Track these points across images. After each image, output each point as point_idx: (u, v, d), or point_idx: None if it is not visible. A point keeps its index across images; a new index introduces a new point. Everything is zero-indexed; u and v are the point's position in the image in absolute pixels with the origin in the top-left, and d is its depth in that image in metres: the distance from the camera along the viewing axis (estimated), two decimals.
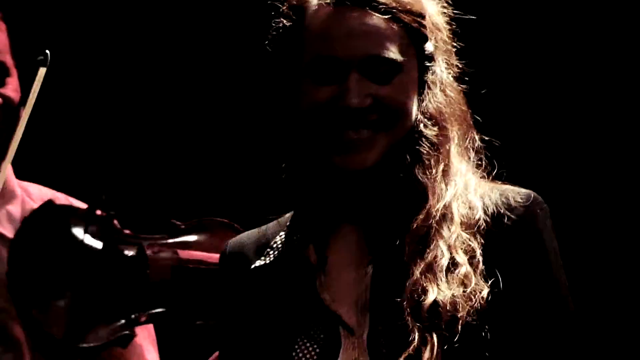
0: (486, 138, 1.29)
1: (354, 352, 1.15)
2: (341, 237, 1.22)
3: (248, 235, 1.31)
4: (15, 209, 1.64)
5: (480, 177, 1.25)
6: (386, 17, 1.15)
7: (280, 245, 1.24)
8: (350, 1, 1.15)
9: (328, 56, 1.15)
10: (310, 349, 1.16)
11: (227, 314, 1.27)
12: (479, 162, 1.26)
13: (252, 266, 1.23)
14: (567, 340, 1.17)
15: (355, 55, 1.15)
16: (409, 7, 1.18)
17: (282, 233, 1.25)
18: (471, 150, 1.25)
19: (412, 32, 1.18)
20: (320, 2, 1.17)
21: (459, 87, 1.26)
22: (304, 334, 1.17)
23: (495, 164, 1.28)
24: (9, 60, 1.66)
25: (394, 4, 1.16)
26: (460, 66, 1.27)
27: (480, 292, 1.10)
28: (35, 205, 1.63)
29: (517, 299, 1.14)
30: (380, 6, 1.15)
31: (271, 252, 1.24)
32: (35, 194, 1.71)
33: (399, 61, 1.16)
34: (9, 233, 1.59)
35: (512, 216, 1.18)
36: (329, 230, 1.21)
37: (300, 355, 1.16)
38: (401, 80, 1.18)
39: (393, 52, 1.16)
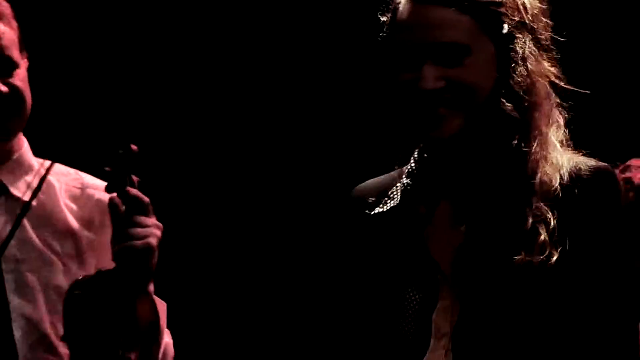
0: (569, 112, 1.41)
1: (447, 300, 1.35)
2: (443, 197, 1.40)
3: (372, 182, 1.50)
4: (32, 179, 1.81)
5: (563, 147, 1.40)
6: (453, 9, 1.33)
7: (396, 196, 1.43)
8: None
9: (406, 45, 1.35)
10: (416, 296, 1.36)
11: (346, 256, 1.47)
12: (564, 132, 1.40)
13: (372, 212, 1.42)
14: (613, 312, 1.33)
15: (427, 43, 1.33)
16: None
17: (398, 184, 1.44)
18: (557, 120, 1.40)
19: (481, 18, 1.34)
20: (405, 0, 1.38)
21: (548, 61, 1.39)
22: (411, 282, 1.37)
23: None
24: (16, 54, 1.78)
25: None
26: (548, 41, 1.39)
27: (552, 258, 1.29)
28: (51, 178, 1.82)
29: (577, 266, 1.31)
30: (447, 1, 1.33)
31: (389, 201, 1.43)
32: (52, 169, 1.84)
33: (466, 44, 1.33)
34: (26, 197, 1.78)
35: (581, 187, 1.34)
36: (436, 189, 1.40)
37: (408, 301, 1.36)
38: (472, 62, 1.34)
39: (460, 38, 1.33)
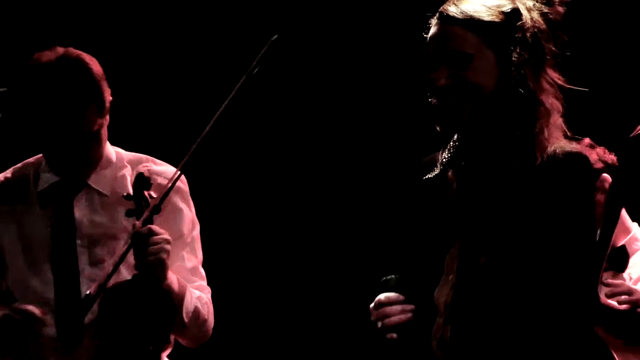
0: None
1: (456, 248, 1.78)
2: (467, 169, 1.81)
3: (431, 156, 1.90)
4: (110, 173, 2.35)
5: (561, 135, 1.77)
6: (462, 27, 1.76)
7: (438, 167, 1.83)
8: (440, 19, 1.79)
9: (430, 53, 1.80)
10: (439, 240, 1.81)
11: (410, 201, 1.92)
12: (561, 123, 1.78)
13: (424, 177, 1.85)
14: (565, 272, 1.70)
15: (441, 52, 1.77)
16: (478, 18, 1.75)
17: (440, 158, 1.84)
18: (554, 112, 1.77)
19: (483, 34, 1.75)
20: (434, 20, 1.81)
21: (549, 66, 1.79)
22: (439, 229, 1.81)
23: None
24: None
25: (466, 19, 1.76)
26: (551, 51, 1.78)
27: (533, 219, 1.70)
28: (125, 170, 2.35)
29: (547, 228, 1.70)
30: (457, 21, 1.76)
31: (434, 170, 1.84)
32: (125, 158, 2.39)
33: (470, 53, 1.75)
34: (106, 191, 2.32)
35: (552, 168, 1.72)
36: (461, 164, 1.81)
37: (434, 243, 1.81)
38: (474, 66, 1.75)
39: (465, 48, 1.75)
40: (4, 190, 2.37)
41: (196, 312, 2.27)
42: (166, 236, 2.14)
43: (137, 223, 2.11)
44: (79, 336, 2.22)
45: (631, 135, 1.93)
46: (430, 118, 1.83)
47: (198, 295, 2.31)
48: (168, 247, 2.13)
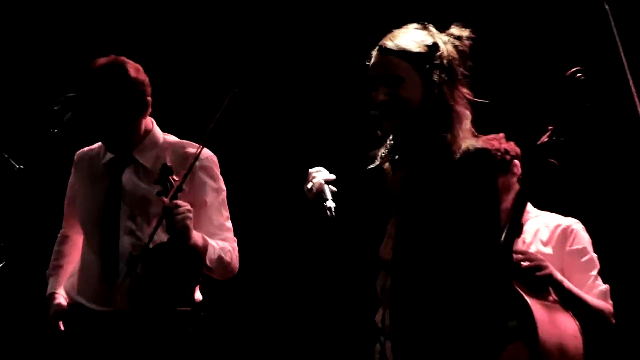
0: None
1: (394, 220, 2.38)
2: (401, 163, 2.40)
3: (375, 151, 2.49)
4: (154, 152, 3.05)
5: (471, 135, 2.37)
6: (395, 56, 2.33)
7: (378, 160, 2.44)
8: (380, 51, 2.36)
9: (371, 76, 2.38)
10: (379, 214, 2.40)
11: (356, 188, 2.48)
12: (471, 126, 2.37)
13: (368, 167, 2.46)
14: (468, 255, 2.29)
15: (380, 75, 2.35)
16: (408, 50, 2.32)
17: (380, 153, 2.45)
18: (467, 119, 2.36)
19: (411, 61, 2.32)
20: (374, 51, 2.39)
21: (461, 84, 2.38)
22: (379, 207, 2.40)
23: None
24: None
25: (399, 50, 2.33)
26: (462, 73, 2.39)
27: (448, 201, 2.30)
28: (166, 151, 3.05)
29: (461, 210, 2.29)
30: (392, 52, 2.33)
31: (375, 162, 2.44)
32: (170, 142, 3.10)
33: (402, 76, 2.32)
34: (149, 165, 3.02)
35: (465, 160, 2.31)
36: (395, 158, 2.43)
37: (375, 217, 2.40)
38: (405, 86, 2.32)
39: (399, 72, 2.32)
40: (87, 158, 3.15)
41: (220, 259, 2.96)
42: (187, 207, 2.80)
43: (166, 200, 2.78)
44: (116, 272, 2.97)
45: (538, 142, 2.53)
46: (372, 125, 2.40)
47: (222, 245, 2.99)
48: (190, 215, 2.79)
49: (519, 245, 2.77)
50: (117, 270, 2.97)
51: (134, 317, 2.96)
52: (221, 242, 3.00)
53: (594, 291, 2.83)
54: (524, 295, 2.52)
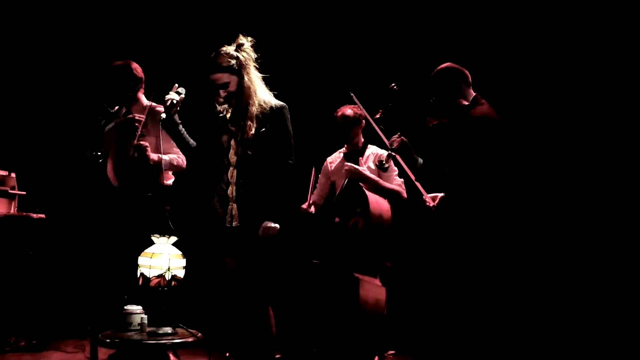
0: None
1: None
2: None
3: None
4: (142, 109, 5.06)
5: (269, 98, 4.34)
6: (221, 72, 4.23)
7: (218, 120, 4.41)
8: (212, 70, 4.24)
9: (212, 85, 4.26)
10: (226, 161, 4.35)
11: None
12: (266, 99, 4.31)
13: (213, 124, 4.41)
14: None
15: (217, 84, 4.24)
16: (227, 65, 4.21)
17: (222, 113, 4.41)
18: (259, 84, 4.31)
19: (230, 71, 4.22)
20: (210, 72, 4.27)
21: (260, 79, 4.32)
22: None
23: None
24: None
25: (223, 67, 4.21)
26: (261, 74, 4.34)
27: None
28: (146, 110, 5.03)
29: (270, 145, 4.23)
30: (219, 69, 4.22)
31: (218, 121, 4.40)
32: (147, 104, 5.09)
33: (227, 82, 4.23)
34: (140, 116, 4.97)
35: (272, 111, 4.26)
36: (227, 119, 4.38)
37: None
38: (231, 86, 4.24)
39: (225, 80, 4.23)
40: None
41: (170, 164, 5.04)
42: (144, 143, 4.88)
43: (134, 141, 4.83)
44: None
45: (375, 117, 4.81)
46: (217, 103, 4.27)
47: (171, 157, 5.04)
48: (145, 144, 4.88)
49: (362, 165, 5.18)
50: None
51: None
52: (171, 155, 5.02)
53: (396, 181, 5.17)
54: (365, 190, 4.86)
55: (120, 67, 5.01)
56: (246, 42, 4.26)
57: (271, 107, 4.22)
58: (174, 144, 5.01)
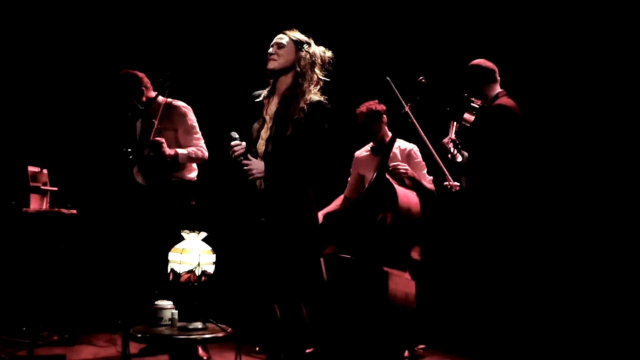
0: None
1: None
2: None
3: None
4: (157, 108, 5.19)
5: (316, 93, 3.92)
6: (286, 35, 3.96)
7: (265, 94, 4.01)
8: (280, 36, 4.00)
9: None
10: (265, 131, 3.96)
11: None
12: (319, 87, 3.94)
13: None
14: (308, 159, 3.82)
15: (275, 41, 3.97)
16: (293, 37, 3.94)
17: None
18: (316, 86, 3.92)
19: (293, 43, 3.93)
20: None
21: (315, 85, 3.95)
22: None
23: None
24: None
25: (288, 34, 3.95)
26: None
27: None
28: (161, 107, 5.19)
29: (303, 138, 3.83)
30: (284, 33, 3.96)
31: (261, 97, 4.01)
32: (162, 101, 5.27)
33: (284, 45, 3.92)
34: (155, 116, 5.17)
35: (310, 106, 3.85)
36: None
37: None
38: (286, 51, 3.94)
39: (283, 41, 3.93)
40: None
41: (188, 157, 5.25)
42: (159, 139, 5.07)
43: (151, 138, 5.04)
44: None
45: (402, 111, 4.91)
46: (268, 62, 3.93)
47: (189, 150, 5.27)
48: (161, 140, 5.09)
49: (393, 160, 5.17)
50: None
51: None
52: (189, 149, 5.26)
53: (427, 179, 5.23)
54: (394, 184, 4.86)
55: (120, 78, 5.26)
56: (323, 49, 3.99)
57: (312, 102, 3.86)
58: (195, 136, 5.31)
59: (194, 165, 5.47)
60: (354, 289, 4.69)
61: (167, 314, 4.32)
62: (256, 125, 3.94)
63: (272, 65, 3.88)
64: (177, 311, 4.31)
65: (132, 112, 5.07)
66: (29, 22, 6.60)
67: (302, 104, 3.83)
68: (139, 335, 4.17)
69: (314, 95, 3.86)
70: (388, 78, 4.91)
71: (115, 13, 6.77)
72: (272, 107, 3.94)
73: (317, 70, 3.92)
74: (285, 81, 3.92)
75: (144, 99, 5.24)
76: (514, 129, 4.34)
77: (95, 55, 6.72)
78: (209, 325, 4.29)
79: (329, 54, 3.96)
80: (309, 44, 3.93)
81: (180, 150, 5.23)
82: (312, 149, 3.80)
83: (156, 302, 4.37)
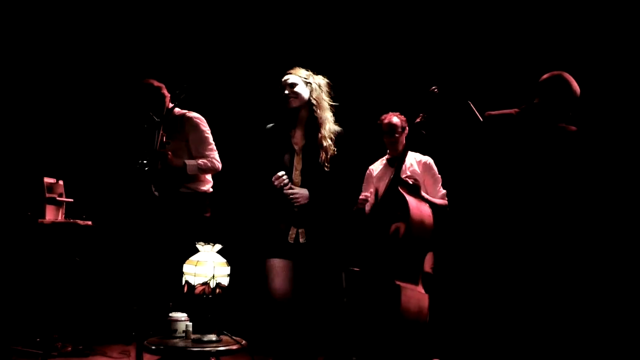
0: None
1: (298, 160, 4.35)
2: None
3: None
4: (174, 119, 5.45)
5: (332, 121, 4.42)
6: (293, 73, 4.37)
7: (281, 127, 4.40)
8: (289, 75, 4.39)
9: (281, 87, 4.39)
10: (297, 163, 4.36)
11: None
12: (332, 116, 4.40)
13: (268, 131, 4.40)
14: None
15: (285, 82, 4.37)
16: (298, 74, 4.37)
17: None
18: (329, 111, 4.38)
19: (301, 79, 4.36)
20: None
21: (327, 99, 4.42)
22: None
23: None
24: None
25: (293, 73, 4.37)
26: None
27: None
28: (178, 118, 5.46)
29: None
30: (290, 73, 4.38)
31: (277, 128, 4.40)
32: (177, 112, 5.50)
33: (295, 83, 4.34)
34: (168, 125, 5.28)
35: (337, 138, 4.35)
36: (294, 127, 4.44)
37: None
38: (299, 88, 4.35)
39: (293, 80, 4.35)
40: None
41: (199, 168, 5.33)
42: (167, 150, 5.13)
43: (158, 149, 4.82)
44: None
45: (415, 121, 4.87)
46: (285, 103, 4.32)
47: (199, 162, 5.35)
48: (170, 154, 5.17)
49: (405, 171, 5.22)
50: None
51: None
52: (199, 161, 5.34)
53: (438, 195, 5.27)
54: (405, 195, 4.83)
55: (139, 87, 5.35)
56: (321, 77, 4.42)
57: (337, 135, 4.33)
58: (208, 147, 5.40)
59: (209, 177, 5.48)
60: (366, 302, 4.69)
61: (182, 326, 4.33)
62: (287, 157, 4.29)
63: (294, 104, 4.29)
64: (191, 323, 4.32)
65: (148, 123, 5.09)
66: (44, 34, 6.65)
67: (326, 133, 4.29)
68: (153, 347, 4.18)
69: (333, 124, 4.35)
70: (469, 102, 4.90)
71: (132, 24, 6.81)
72: (298, 138, 4.35)
73: (325, 97, 4.36)
74: (304, 114, 4.34)
75: (163, 110, 5.27)
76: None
77: (112, 68, 6.76)
78: (223, 337, 4.30)
79: (326, 80, 4.42)
80: (312, 76, 4.37)
81: (188, 161, 5.26)
82: (348, 179, 4.38)
83: (170, 314, 4.38)
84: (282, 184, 4.16)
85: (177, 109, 5.31)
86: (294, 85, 4.29)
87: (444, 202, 5.22)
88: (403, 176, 5.02)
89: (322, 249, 4.20)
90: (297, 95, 4.29)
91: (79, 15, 6.72)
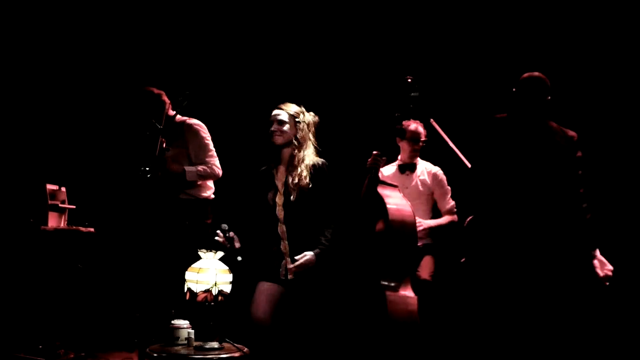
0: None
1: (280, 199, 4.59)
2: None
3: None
4: (176, 127, 5.53)
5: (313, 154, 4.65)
6: (282, 110, 4.59)
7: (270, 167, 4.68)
8: (278, 110, 4.63)
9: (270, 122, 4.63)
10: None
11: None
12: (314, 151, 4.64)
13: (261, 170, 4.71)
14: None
15: (274, 117, 4.61)
16: (287, 110, 4.57)
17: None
18: (311, 148, 4.61)
19: (290, 115, 4.57)
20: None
21: (312, 149, 4.65)
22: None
23: None
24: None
25: (283, 108, 4.58)
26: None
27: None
28: (179, 125, 5.55)
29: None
30: (280, 108, 4.59)
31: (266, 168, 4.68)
32: (179, 119, 5.52)
33: (284, 120, 4.55)
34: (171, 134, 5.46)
35: (315, 170, 4.55)
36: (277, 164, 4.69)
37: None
38: (286, 125, 4.56)
39: (282, 117, 4.55)
40: None
41: (198, 174, 5.38)
42: (167, 157, 5.19)
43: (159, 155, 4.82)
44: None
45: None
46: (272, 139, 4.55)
47: (199, 168, 5.39)
48: (170, 160, 5.28)
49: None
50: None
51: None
52: (199, 167, 5.38)
53: (447, 207, 5.42)
54: (384, 198, 4.71)
55: (140, 94, 5.40)
56: (311, 115, 4.62)
57: (314, 166, 4.52)
58: (208, 154, 5.44)
59: (210, 184, 5.49)
60: (354, 304, 4.68)
61: (184, 333, 4.33)
62: (270, 195, 4.53)
63: (278, 141, 4.52)
64: (193, 330, 4.32)
65: (150, 131, 5.10)
66: (46, 42, 6.66)
67: (304, 170, 4.47)
68: (155, 355, 4.17)
69: (313, 158, 4.54)
70: (432, 120, 5.20)
71: (135, 32, 6.83)
72: (281, 175, 4.57)
73: (311, 137, 4.58)
74: (288, 151, 4.55)
75: (163, 116, 5.26)
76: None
77: (114, 75, 6.77)
78: (226, 345, 4.29)
79: (316, 118, 4.61)
80: (303, 113, 4.57)
81: (188, 168, 5.27)
82: (324, 210, 4.49)
83: (173, 321, 4.38)
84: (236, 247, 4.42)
85: (178, 116, 5.30)
86: (282, 123, 4.51)
87: (452, 218, 5.32)
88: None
89: (306, 287, 4.40)
90: (283, 133, 4.51)
91: (80, 22, 6.74)
